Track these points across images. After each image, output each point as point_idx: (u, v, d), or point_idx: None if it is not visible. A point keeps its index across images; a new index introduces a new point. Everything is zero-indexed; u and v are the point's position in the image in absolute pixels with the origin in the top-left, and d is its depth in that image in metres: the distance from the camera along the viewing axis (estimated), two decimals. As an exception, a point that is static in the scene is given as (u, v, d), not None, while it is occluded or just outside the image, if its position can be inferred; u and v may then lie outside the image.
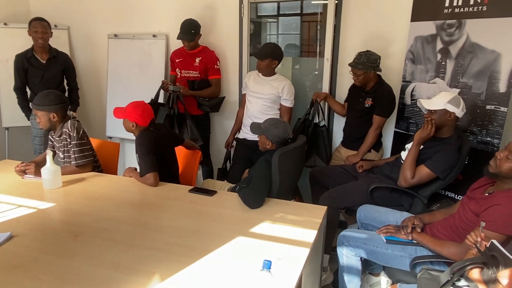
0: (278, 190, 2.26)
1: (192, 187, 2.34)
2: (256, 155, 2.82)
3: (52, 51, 3.42)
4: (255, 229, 1.83)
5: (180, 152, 2.78)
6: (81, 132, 2.52)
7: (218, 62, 3.43)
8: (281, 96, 3.05)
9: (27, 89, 3.46)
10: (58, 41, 3.77)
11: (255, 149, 2.63)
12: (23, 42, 3.82)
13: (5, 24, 3.78)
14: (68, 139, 2.49)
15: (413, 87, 2.91)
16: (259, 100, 3.08)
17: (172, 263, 1.54)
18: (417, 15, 2.83)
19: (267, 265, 1.30)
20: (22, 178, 2.44)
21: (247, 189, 2.13)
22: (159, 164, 2.36)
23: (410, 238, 1.96)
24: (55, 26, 4.08)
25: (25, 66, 3.34)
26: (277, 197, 2.20)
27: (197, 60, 3.35)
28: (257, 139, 2.52)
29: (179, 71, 3.45)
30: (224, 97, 3.53)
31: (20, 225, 1.84)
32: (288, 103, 3.08)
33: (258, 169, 2.26)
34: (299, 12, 3.88)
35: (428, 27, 2.77)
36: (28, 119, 3.51)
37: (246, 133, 3.17)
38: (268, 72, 3.05)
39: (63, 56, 3.51)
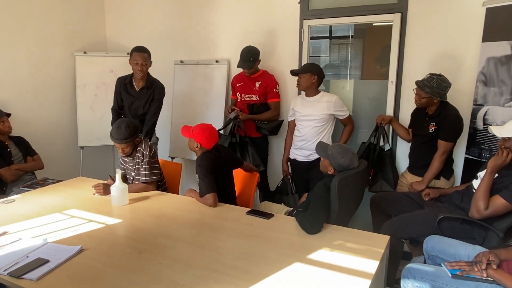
0: (337, 216, 2.20)
1: (250, 209, 2.35)
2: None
3: (149, 81, 3.37)
4: (313, 255, 1.78)
5: (238, 173, 2.82)
6: (153, 150, 2.67)
7: (277, 85, 3.48)
8: (333, 113, 3.03)
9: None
10: (129, 67, 4.05)
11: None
12: (100, 69, 4.19)
13: (84, 52, 4.17)
14: (141, 157, 2.65)
15: (486, 111, 2.72)
16: (311, 122, 3.05)
17: (228, 285, 1.54)
18: (489, 36, 2.66)
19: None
20: (94, 194, 2.61)
21: (305, 213, 2.09)
22: (217, 185, 2.41)
23: (484, 275, 1.79)
24: (128, 53, 4.42)
25: (120, 90, 3.41)
26: (335, 223, 2.13)
27: (257, 84, 3.43)
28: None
29: (239, 95, 3.54)
30: (283, 120, 3.55)
31: (90, 239, 1.96)
32: (345, 113, 3.07)
33: (316, 194, 2.22)
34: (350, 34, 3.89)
35: (502, 48, 2.59)
36: None
37: (296, 154, 3.15)
38: (311, 90, 3.03)
39: (155, 86, 3.40)
